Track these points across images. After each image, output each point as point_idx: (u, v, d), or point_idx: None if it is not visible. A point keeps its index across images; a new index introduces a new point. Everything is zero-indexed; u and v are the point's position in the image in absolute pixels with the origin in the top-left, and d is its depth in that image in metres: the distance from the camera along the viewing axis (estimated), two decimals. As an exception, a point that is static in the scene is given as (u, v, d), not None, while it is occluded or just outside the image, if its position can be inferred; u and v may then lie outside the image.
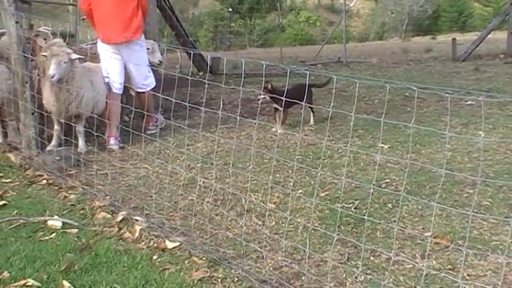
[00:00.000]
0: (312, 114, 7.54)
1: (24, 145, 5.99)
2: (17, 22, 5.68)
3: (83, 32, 9.90)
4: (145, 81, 7.14)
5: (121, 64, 6.85)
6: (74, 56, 6.03)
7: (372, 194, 4.61)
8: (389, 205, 4.54)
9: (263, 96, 6.94)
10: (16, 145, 6.27)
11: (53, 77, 5.79)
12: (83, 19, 10.32)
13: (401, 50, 22.09)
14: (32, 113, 5.85)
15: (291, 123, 7.52)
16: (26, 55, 5.79)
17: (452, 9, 62.47)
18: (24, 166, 5.73)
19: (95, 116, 6.36)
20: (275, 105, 7.09)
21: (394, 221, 4.18)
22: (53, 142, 6.30)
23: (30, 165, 5.74)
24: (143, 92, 7.16)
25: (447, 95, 4.80)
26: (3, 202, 4.77)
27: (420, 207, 4.45)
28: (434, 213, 4.22)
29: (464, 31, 46.60)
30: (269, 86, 6.92)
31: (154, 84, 7.15)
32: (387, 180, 5.16)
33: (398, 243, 3.87)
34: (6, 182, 5.34)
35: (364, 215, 3.92)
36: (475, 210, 4.21)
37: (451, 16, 62.01)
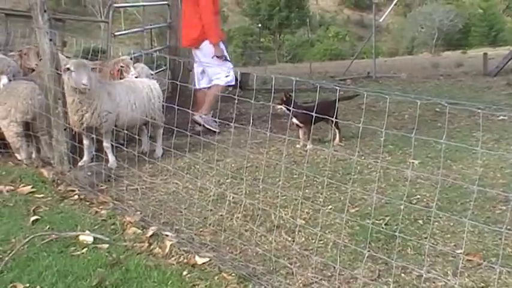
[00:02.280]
0: (337, 131, 7.28)
1: (57, 160, 6.06)
2: (50, 40, 5.77)
3: (114, 48, 10.01)
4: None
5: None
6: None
7: (403, 210, 4.57)
8: (420, 221, 4.50)
9: (279, 107, 6.95)
10: (49, 160, 6.35)
11: (85, 86, 5.88)
12: (114, 35, 10.45)
13: (432, 64, 21.89)
14: (65, 129, 5.93)
15: (319, 139, 7.50)
16: (59, 72, 5.88)
17: (483, 24, 62.01)
18: (56, 181, 5.79)
19: (125, 131, 6.42)
20: (296, 122, 7.02)
21: (425, 238, 4.14)
22: (84, 157, 6.36)
23: (62, 180, 5.80)
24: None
25: (478, 110, 4.74)
26: (36, 217, 4.82)
27: (452, 224, 4.40)
28: (467, 229, 4.17)
29: (496, 45, 46.21)
30: (284, 98, 6.91)
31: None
32: (418, 196, 5.12)
33: (429, 260, 3.83)
34: (39, 197, 5.40)
35: (395, 231, 3.89)
36: (508, 227, 4.15)
37: (481, 30, 61.54)
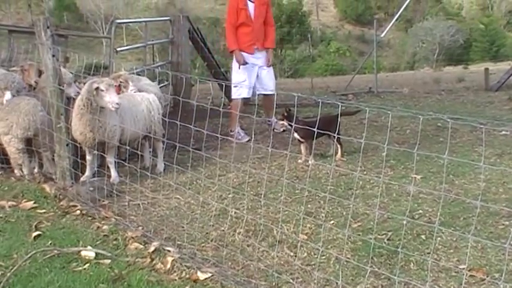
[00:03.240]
0: (339, 146, 7.25)
1: (59, 176, 6.06)
2: (53, 56, 5.79)
3: (116, 64, 10.04)
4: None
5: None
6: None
7: (405, 225, 4.56)
8: (423, 236, 4.49)
9: (281, 123, 6.99)
10: (51, 176, 6.36)
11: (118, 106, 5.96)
12: (117, 51, 10.49)
13: (433, 79, 21.91)
14: (67, 144, 5.94)
15: (321, 154, 7.50)
16: (61, 87, 5.90)
17: (484, 39, 62.14)
18: (58, 197, 5.80)
19: (127, 147, 6.43)
20: (297, 137, 7.03)
21: (428, 253, 4.13)
22: (87, 173, 6.37)
23: (64, 195, 5.81)
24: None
25: (481, 125, 4.75)
26: (38, 232, 4.83)
27: (454, 239, 4.39)
28: (470, 245, 4.16)
29: (497, 60, 46.24)
30: (285, 113, 6.94)
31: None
32: (420, 212, 5.11)
33: (432, 275, 3.81)
34: (41, 213, 5.41)
35: (398, 247, 3.89)
36: (512, 243, 4.14)
37: (482, 46, 61.65)
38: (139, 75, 8.79)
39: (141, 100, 6.73)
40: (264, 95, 9.25)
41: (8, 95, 6.31)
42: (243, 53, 8.82)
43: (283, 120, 6.93)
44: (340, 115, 7.23)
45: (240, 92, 8.76)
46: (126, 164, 5.77)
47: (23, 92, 6.59)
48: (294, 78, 38.03)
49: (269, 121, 9.05)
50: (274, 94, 9.08)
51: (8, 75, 6.55)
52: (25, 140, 6.30)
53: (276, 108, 7.76)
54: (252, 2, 8.87)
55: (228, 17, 9.00)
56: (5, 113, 6.23)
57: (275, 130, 8.56)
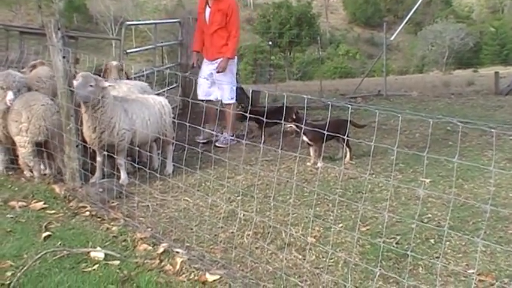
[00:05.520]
0: (348, 150, 7.24)
1: (69, 177, 6.09)
2: (64, 57, 5.81)
3: (126, 65, 10.09)
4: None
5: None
6: (104, 83, 6.12)
7: (414, 229, 4.56)
8: (432, 240, 4.48)
9: (289, 125, 6.97)
10: (60, 177, 6.37)
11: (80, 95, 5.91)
12: (126, 53, 10.52)
13: (442, 83, 21.88)
14: (77, 146, 5.96)
15: (330, 157, 7.50)
16: (71, 89, 5.91)
17: (494, 42, 61.98)
18: (68, 197, 5.82)
19: (137, 148, 6.45)
20: (306, 139, 7.03)
21: (437, 257, 4.12)
22: (96, 174, 6.39)
23: (74, 196, 5.83)
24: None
25: (491, 129, 4.73)
26: (47, 233, 4.84)
27: (464, 243, 4.38)
28: (479, 249, 4.16)
29: (507, 64, 46.12)
30: (293, 116, 6.93)
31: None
32: (429, 215, 5.10)
33: (441, 279, 3.81)
34: (51, 213, 5.42)
35: (406, 250, 3.88)
36: (521, 247, 4.13)
37: (492, 49, 61.53)
38: (148, 76, 8.85)
39: (154, 103, 6.73)
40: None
41: (10, 94, 6.30)
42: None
43: (291, 122, 6.92)
44: (349, 123, 7.24)
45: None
46: (135, 165, 5.79)
47: (23, 90, 6.56)
48: (302, 81, 38.11)
49: (216, 135, 8.36)
50: (230, 104, 8.60)
51: (8, 75, 6.54)
52: (36, 143, 6.29)
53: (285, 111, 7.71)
54: (209, 7, 8.51)
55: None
56: (16, 114, 6.20)
57: (217, 144, 8.15)
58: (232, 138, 8.44)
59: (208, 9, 8.49)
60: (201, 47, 8.75)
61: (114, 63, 7.77)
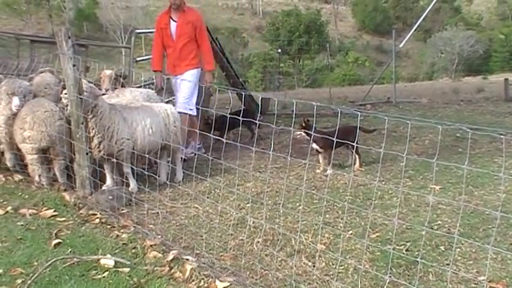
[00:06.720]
0: (357, 157, 7.26)
1: (78, 184, 6.11)
2: (74, 65, 5.84)
3: (136, 73, 10.13)
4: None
5: None
6: (97, 92, 6.14)
7: (424, 235, 4.55)
8: (442, 247, 4.47)
9: (299, 133, 6.96)
10: (71, 184, 6.39)
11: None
12: (136, 61, 10.58)
13: (452, 90, 21.85)
14: (86, 153, 5.98)
15: (340, 164, 7.49)
16: (82, 97, 5.93)
17: (504, 49, 61.83)
18: (78, 205, 5.83)
19: (146, 155, 6.46)
20: (316, 147, 7.02)
21: (447, 264, 4.11)
22: (107, 182, 6.39)
23: (84, 204, 5.84)
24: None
25: (501, 136, 4.72)
26: (57, 241, 4.86)
27: (474, 250, 4.36)
28: (489, 256, 4.13)
29: (517, 71, 45.92)
30: (303, 123, 6.92)
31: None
32: (439, 222, 5.08)
33: (451, 286, 3.79)
34: (61, 221, 5.44)
35: (416, 257, 3.87)
36: (532, 254, 4.11)
37: (502, 56, 61.37)
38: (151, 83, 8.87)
39: (159, 111, 6.74)
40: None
41: (16, 100, 6.34)
42: (170, 74, 8.56)
43: (301, 130, 6.92)
44: (359, 129, 7.22)
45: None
46: (145, 172, 5.80)
47: (29, 96, 6.60)
48: (312, 88, 38.08)
49: (186, 146, 8.08)
50: (186, 114, 8.10)
51: (14, 81, 6.59)
52: (40, 150, 6.31)
53: (294, 118, 7.71)
54: (174, 21, 8.30)
55: (154, 37, 8.68)
56: (21, 120, 6.23)
57: (186, 156, 7.89)
58: (200, 147, 8.34)
59: (173, 23, 8.32)
60: (161, 65, 8.60)
61: (108, 72, 7.67)
